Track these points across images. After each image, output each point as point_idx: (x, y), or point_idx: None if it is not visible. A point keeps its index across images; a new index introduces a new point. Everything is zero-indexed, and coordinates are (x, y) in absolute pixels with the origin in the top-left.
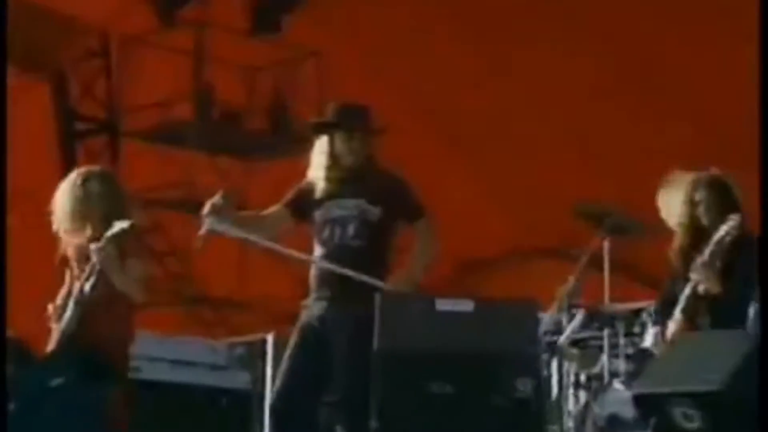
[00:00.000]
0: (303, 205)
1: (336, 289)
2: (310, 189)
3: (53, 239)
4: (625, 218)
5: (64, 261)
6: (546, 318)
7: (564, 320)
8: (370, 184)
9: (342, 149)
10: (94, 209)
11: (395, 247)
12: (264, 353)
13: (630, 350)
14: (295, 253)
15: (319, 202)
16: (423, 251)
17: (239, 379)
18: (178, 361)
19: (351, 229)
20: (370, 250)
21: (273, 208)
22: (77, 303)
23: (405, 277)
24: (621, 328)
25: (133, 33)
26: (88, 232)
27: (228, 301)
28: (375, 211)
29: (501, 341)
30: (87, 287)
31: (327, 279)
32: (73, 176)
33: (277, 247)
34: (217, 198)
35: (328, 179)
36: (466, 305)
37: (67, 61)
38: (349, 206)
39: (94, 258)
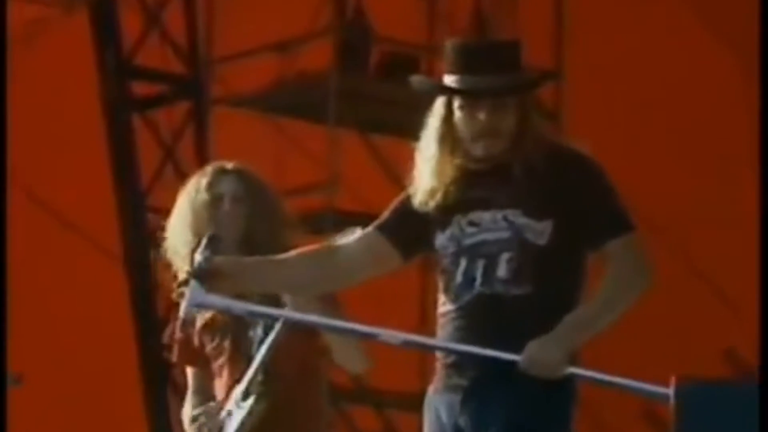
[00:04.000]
0: (411, 226)
1: (476, 372)
2: (423, 199)
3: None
4: None
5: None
6: None
7: None
8: (529, 178)
9: (470, 127)
10: (231, 225)
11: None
12: None
13: None
14: (371, 330)
15: (442, 219)
16: (612, 294)
17: None
18: None
19: (503, 266)
20: (542, 302)
21: (353, 236)
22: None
23: (553, 344)
24: None
25: None
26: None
27: (402, 398)
28: (542, 229)
29: None
30: (259, 357)
31: (459, 356)
32: (196, 177)
33: (323, 321)
34: (200, 251)
35: (448, 178)
36: None
37: None
38: (494, 223)
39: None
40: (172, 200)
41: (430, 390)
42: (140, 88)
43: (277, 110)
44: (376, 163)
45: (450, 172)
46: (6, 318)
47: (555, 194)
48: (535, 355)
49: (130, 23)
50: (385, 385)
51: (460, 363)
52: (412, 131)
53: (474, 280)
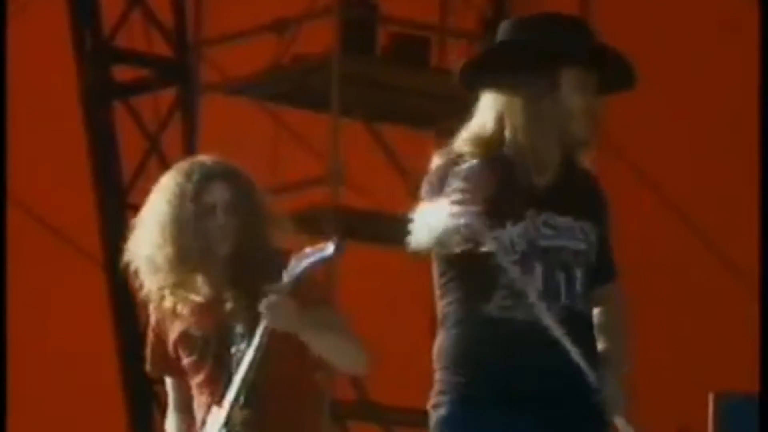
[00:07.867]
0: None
1: (546, 386)
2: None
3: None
4: None
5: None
6: None
7: None
8: (586, 189)
9: (580, 103)
10: (224, 240)
11: None
12: None
13: None
14: None
15: (514, 208)
16: (624, 336)
17: None
18: None
19: (579, 281)
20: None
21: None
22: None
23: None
24: None
25: None
26: (204, 284)
27: (409, 414)
28: (596, 249)
29: None
30: (246, 368)
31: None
32: (177, 178)
33: None
34: None
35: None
36: None
37: None
38: (570, 231)
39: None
40: None
41: (435, 404)
42: (122, 73)
43: (273, 98)
44: (384, 155)
45: (523, 151)
46: (6, 320)
47: (598, 213)
48: (617, 395)
49: (110, 0)
50: (391, 401)
51: (523, 374)
52: (423, 120)
53: (558, 291)
